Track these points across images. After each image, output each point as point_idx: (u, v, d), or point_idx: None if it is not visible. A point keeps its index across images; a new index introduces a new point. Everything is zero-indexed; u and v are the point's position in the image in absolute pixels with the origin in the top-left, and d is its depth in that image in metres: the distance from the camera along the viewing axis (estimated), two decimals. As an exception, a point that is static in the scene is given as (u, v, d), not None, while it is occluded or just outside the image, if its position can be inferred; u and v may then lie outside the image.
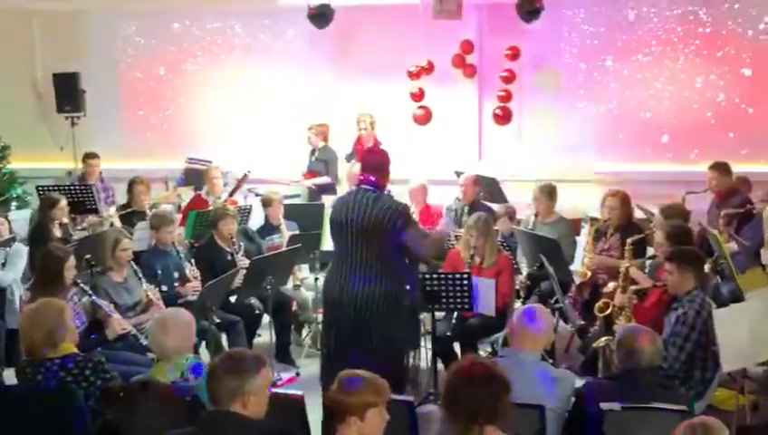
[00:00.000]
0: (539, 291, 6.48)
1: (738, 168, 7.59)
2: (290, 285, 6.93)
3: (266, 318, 6.41)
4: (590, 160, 9.81)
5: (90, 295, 5.29)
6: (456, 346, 5.98)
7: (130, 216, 7.67)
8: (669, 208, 6.29)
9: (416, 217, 7.04)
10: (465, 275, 5.48)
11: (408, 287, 4.95)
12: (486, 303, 5.53)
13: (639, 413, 3.61)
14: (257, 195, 7.98)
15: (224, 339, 6.07)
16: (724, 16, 9.49)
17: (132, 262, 5.74)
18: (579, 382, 4.11)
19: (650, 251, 6.04)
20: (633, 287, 5.37)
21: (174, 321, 3.98)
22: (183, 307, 4.68)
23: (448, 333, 5.93)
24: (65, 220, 7.16)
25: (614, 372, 4.22)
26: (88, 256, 5.73)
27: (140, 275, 5.71)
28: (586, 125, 9.95)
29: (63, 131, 10.10)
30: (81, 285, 5.30)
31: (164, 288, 6.02)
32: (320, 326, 6.27)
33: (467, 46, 9.71)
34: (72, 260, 5.23)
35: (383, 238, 4.77)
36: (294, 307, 6.85)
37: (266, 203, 7.26)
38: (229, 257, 6.44)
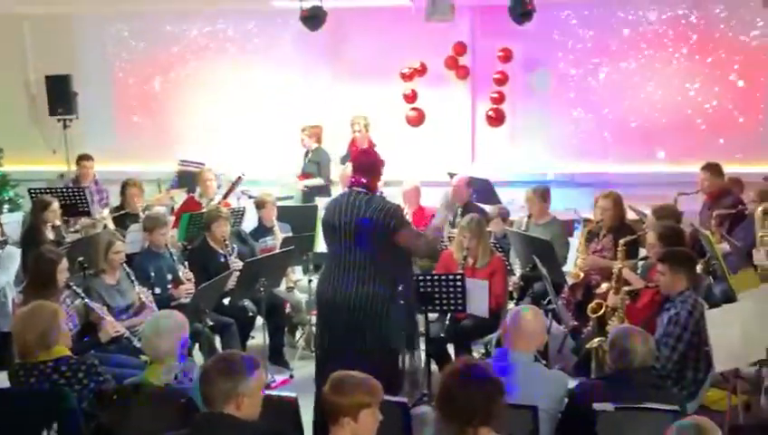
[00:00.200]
0: (532, 292, 6.49)
1: (729, 168, 7.62)
2: (283, 286, 6.94)
3: (260, 320, 6.41)
4: (583, 162, 9.84)
5: (83, 298, 5.27)
6: (450, 347, 5.99)
7: (123, 218, 7.66)
8: (661, 209, 6.31)
9: (409, 218, 7.04)
10: (459, 277, 5.49)
11: (401, 288, 4.95)
12: (479, 304, 5.54)
13: (632, 414, 3.62)
14: (250, 197, 7.98)
15: (217, 341, 6.06)
16: (717, 21, 9.55)
17: (125, 265, 5.73)
18: (572, 383, 4.11)
19: (642, 252, 6.05)
20: (626, 288, 5.39)
21: (167, 323, 3.97)
22: (176, 309, 4.67)
23: (442, 335, 5.93)
24: (58, 223, 7.13)
25: (607, 372, 4.23)
26: (81, 259, 5.71)
27: (133, 278, 5.70)
28: (578, 127, 9.99)
29: (56, 134, 10.08)
30: (74, 287, 5.28)
31: (157, 291, 6.00)
32: (313, 328, 6.27)
33: (460, 48, 9.72)
34: (64, 263, 5.22)
35: (376, 240, 4.77)
36: (288, 309, 6.84)
37: (259, 205, 7.26)
38: (222, 259, 6.43)
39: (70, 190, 7.93)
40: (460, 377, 3.01)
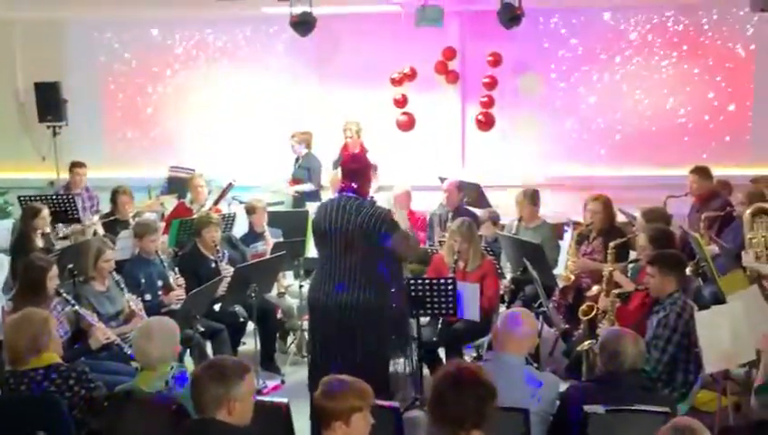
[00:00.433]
0: (523, 295, 6.50)
1: (718, 171, 7.65)
2: (274, 292, 6.92)
3: (251, 326, 6.40)
4: (573, 165, 9.87)
5: (73, 305, 5.25)
6: (441, 351, 5.99)
7: (114, 224, 7.65)
8: (651, 212, 6.33)
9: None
10: (450, 281, 5.50)
11: (393, 291, 4.96)
12: (471, 307, 5.55)
13: (623, 415, 3.62)
14: (241, 202, 7.97)
15: (208, 347, 6.04)
16: (705, 28, 9.62)
17: (114, 272, 5.71)
18: (563, 386, 4.12)
19: (632, 255, 6.07)
20: (616, 291, 5.40)
21: (158, 330, 3.96)
22: (167, 316, 4.66)
23: (434, 339, 5.94)
24: (47, 230, 7.11)
25: (597, 374, 4.24)
26: (70, 266, 5.69)
27: (122, 286, 5.69)
28: (568, 131, 10.02)
29: (45, 141, 10.05)
30: (65, 294, 5.26)
31: (147, 297, 5.99)
32: (305, 333, 6.27)
33: (450, 53, 9.75)
34: (54, 270, 5.19)
35: (367, 245, 4.78)
36: (279, 315, 6.83)
37: (250, 211, 7.25)
38: (213, 265, 6.42)
39: (59, 197, 7.91)
40: (452, 380, 3.01)
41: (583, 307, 5.63)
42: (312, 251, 6.35)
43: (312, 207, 7.34)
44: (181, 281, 6.21)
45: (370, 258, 4.81)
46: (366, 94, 9.90)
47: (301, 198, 8.81)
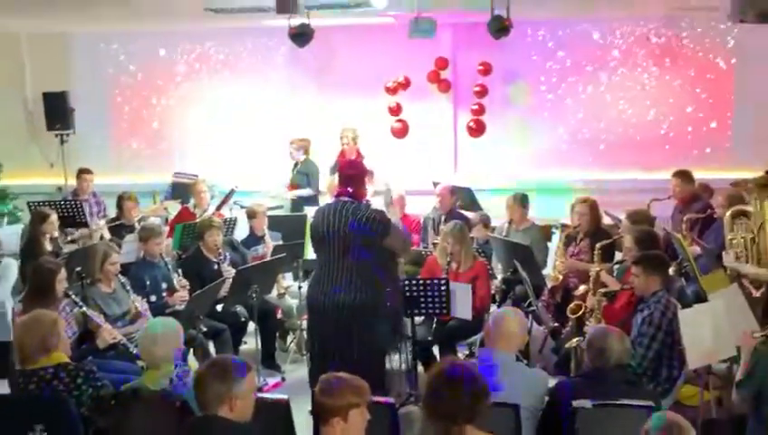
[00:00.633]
0: (513, 295, 6.51)
1: (699, 175, 7.68)
2: (275, 293, 6.92)
3: (252, 326, 6.39)
4: (561, 170, 9.89)
5: (81, 307, 5.25)
6: (435, 349, 5.99)
7: (119, 228, 7.65)
8: (636, 214, 6.34)
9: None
10: (444, 281, 5.50)
11: (388, 291, 4.96)
12: (463, 307, 5.55)
13: (609, 410, 3.63)
14: (242, 207, 7.96)
15: (211, 346, 6.03)
16: (687, 41, 9.66)
17: (120, 274, 5.70)
18: (552, 381, 4.13)
19: (618, 255, 6.08)
20: (602, 290, 5.41)
21: (162, 330, 3.96)
22: (171, 316, 4.66)
23: (429, 337, 5.94)
24: (56, 234, 7.09)
25: (585, 370, 4.24)
26: (78, 269, 5.68)
27: (128, 287, 5.68)
28: (556, 137, 10.04)
29: (53, 148, 10.03)
30: (73, 296, 5.25)
31: (152, 298, 5.98)
32: (304, 333, 6.27)
33: (442, 62, 9.76)
34: (63, 273, 5.19)
35: (364, 246, 4.78)
36: (279, 315, 6.83)
37: (251, 215, 7.25)
38: (215, 267, 6.41)
39: (67, 202, 7.89)
40: (446, 377, 3.01)
41: (571, 306, 5.65)
42: (310, 253, 6.35)
43: (310, 211, 7.32)
44: (185, 283, 6.21)
45: (367, 259, 4.81)
46: (362, 102, 9.90)
47: (299, 203, 8.80)
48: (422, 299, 5.46)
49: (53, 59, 10.52)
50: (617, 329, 4.06)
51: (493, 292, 6.44)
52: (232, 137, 10.41)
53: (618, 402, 3.64)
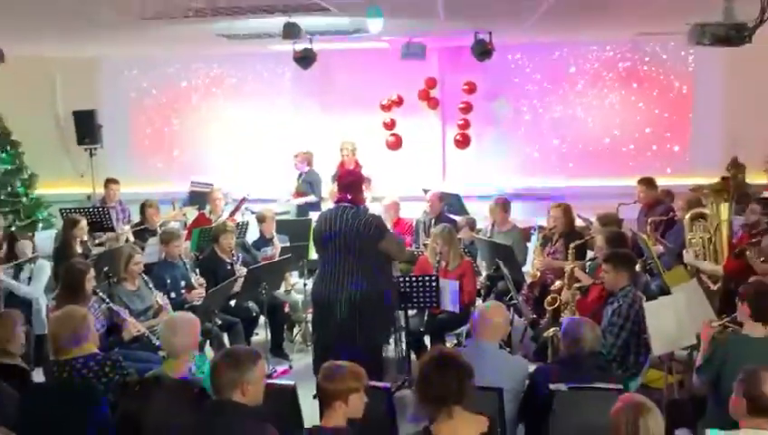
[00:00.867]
0: (496, 290, 6.51)
1: (662, 182, 7.70)
2: (282, 289, 6.91)
3: (262, 319, 6.38)
4: (538, 178, 9.90)
5: (108, 303, 5.24)
6: (426, 339, 5.98)
7: (143, 232, 7.64)
8: (605, 217, 6.36)
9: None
10: (434, 278, 5.51)
11: (385, 288, 4.95)
12: (452, 301, 5.55)
13: (583, 392, 3.63)
14: (253, 213, 7.96)
15: (225, 338, 6.02)
16: (650, 64, 9.69)
17: (143, 273, 5.70)
18: (531, 367, 4.13)
19: (590, 254, 6.09)
20: (576, 285, 5.42)
21: (181, 323, 3.95)
22: (189, 311, 4.65)
23: (421, 329, 5.94)
24: (85, 238, 7.08)
25: (561, 357, 4.24)
26: (106, 269, 5.67)
27: (151, 285, 5.68)
28: (534, 148, 10.06)
29: (83, 161, 10.01)
30: (100, 294, 5.25)
31: (172, 295, 5.97)
32: (309, 325, 6.26)
33: (431, 82, 9.78)
34: (92, 272, 5.18)
35: (363, 246, 4.78)
36: (287, 309, 6.81)
37: (261, 219, 7.25)
38: (229, 267, 6.41)
39: (96, 209, 7.88)
40: (436, 363, 3.00)
41: (548, 299, 5.66)
42: (313, 254, 6.34)
43: (313, 216, 7.33)
44: (201, 281, 6.23)
45: (365, 259, 4.81)
46: (359, 118, 9.90)
47: (304, 208, 8.80)
48: (414, 294, 5.47)
49: (83, 81, 10.50)
50: (589, 320, 4.07)
51: (478, 287, 6.44)
52: (243, 150, 10.41)
53: (590, 386, 3.64)
